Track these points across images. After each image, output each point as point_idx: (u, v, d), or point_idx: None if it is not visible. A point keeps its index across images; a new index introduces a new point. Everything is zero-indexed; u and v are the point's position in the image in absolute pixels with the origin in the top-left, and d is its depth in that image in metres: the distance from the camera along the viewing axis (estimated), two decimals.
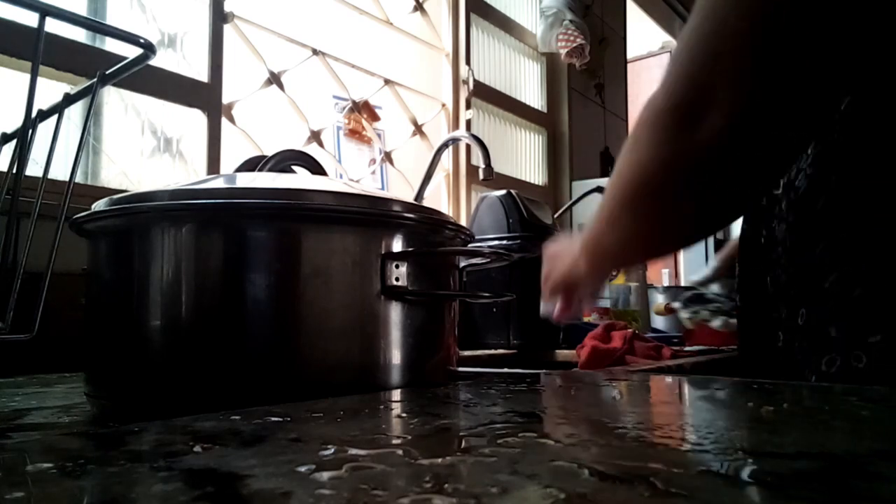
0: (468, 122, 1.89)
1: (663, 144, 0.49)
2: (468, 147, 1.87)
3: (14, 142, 0.47)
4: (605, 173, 2.41)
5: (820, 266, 0.55)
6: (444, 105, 1.88)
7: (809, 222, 0.57)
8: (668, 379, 0.62)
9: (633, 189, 0.53)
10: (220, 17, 1.26)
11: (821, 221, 0.56)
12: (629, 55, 2.81)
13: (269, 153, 0.64)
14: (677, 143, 0.48)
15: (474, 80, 1.91)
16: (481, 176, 1.23)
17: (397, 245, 0.51)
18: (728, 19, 0.45)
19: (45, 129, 0.48)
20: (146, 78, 1.09)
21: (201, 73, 1.22)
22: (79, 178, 0.99)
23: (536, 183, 2.23)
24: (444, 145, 1.34)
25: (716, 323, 1.20)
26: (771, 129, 0.47)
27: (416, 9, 1.79)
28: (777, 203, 0.62)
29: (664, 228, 0.55)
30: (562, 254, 0.70)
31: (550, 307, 0.73)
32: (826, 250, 0.55)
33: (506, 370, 0.64)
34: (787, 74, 0.45)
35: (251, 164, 0.65)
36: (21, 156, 0.45)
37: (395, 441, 0.29)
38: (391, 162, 1.69)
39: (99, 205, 0.50)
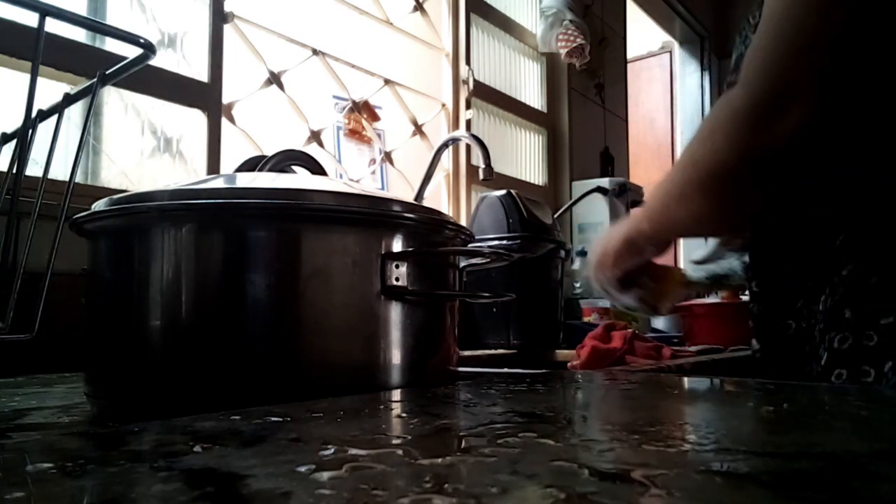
0: (468, 122, 1.89)
1: (743, 140, 0.53)
2: (468, 147, 1.87)
3: (14, 142, 0.47)
4: (604, 173, 2.41)
5: (838, 257, 0.59)
6: (444, 105, 1.88)
7: (830, 216, 0.60)
8: (668, 379, 0.62)
9: (711, 177, 0.58)
10: (220, 17, 1.26)
11: (840, 215, 0.60)
12: (629, 55, 2.81)
13: (269, 153, 0.64)
14: (757, 139, 0.52)
15: (474, 80, 1.91)
16: (481, 176, 1.23)
17: (397, 245, 0.51)
18: (807, 18, 0.49)
19: (45, 129, 0.48)
20: (146, 78, 1.09)
21: (201, 73, 1.22)
22: (79, 178, 0.99)
23: (536, 183, 2.23)
24: (444, 145, 1.34)
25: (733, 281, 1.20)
26: (848, 126, 0.51)
27: (416, 9, 1.79)
28: (792, 199, 0.65)
29: (734, 211, 0.61)
30: (611, 233, 0.76)
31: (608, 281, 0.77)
32: (845, 242, 0.59)
33: (506, 370, 0.64)
34: (866, 71, 0.49)
35: (251, 164, 0.65)
36: (21, 156, 0.45)
37: (395, 441, 0.29)
38: (391, 162, 1.69)
39: (99, 205, 0.50)
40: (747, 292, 0.74)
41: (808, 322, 0.62)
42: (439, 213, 0.57)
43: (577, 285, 1.95)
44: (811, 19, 0.49)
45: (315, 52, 1.48)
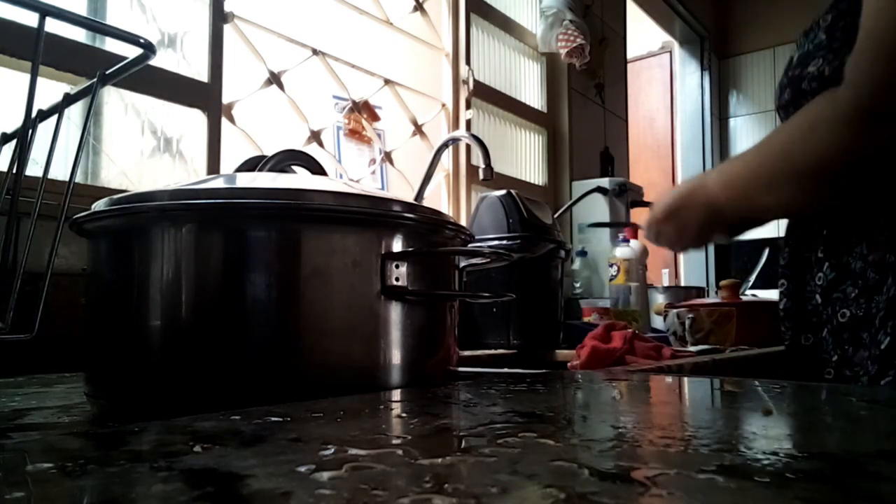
0: (468, 122, 1.89)
1: (847, 140, 0.57)
2: (468, 147, 1.87)
3: (14, 142, 0.47)
4: (604, 173, 2.41)
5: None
6: (444, 105, 1.88)
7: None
8: (668, 379, 0.62)
9: (809, 172, 0.62)
10: (220, 17, 1.26)
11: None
12: (629, 55, 2.81)
13: (269, 153, 0.64)
14: (861, 141, 0.56)
15: (474, 80, 1.91)
16: (481, 176, 1.23)
17: (397, 245, 0.51)
18: None
19: (45, 129, 0.48)
20: (146, 78, 1.09)
21: (201, 73, 1.22)
22: (79, 178, 0.99)
23: (536, 183, 2.23)
24: (444, 145, 1.34)
25: None
26: None
27: (416, 9, 1.79)
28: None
29: (825, 202, 0.66)
30: (684, 197, 0.80)
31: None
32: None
33: (506, 370, 0.64)
34: None
35: (251, 164, 0.65)
36: (21, 156, 0.45)
37: (395, 441, 0.29)
38: (391, 162, 1.69)
39: (99, 205, 0.50)
40: (749, 292, 0.77)
41: (867, 311, 0.66)
42: (439, 213, 0.57)
43: (577, 285, 1.95)
44: None
45: (315, 52, 1.48)
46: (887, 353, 0.62)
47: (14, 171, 0.45)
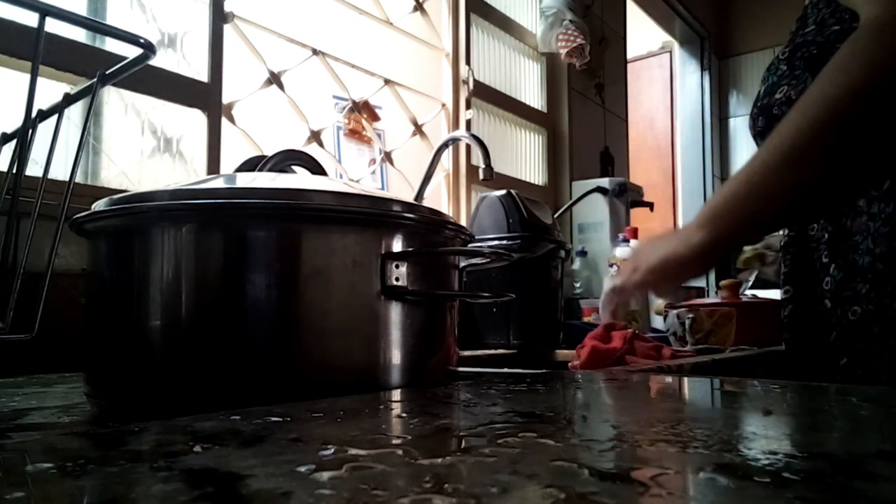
0: (468, 122, 1.89)
1: (881, 58, 0.55)
2: (468, 147, 1.87)
3: (14, 142, 0.47)
4: (604, 173, 2.41)
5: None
6: (444, 105, 1.88)
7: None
8: (668, 379, 0.62)
9: (858, 96, 0.58)
10: (220, 17, 1.26)
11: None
12: (629, 55, 2.81)
13: (269, 153, 0.64)
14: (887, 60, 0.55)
15: (474, 80, 1.91)
16: (481, 176, 1.23)
17: (397, 245, 0.51)
18: None
19: (45, 129, 0.48)
20: (146, 78, 1.09)
21: (201, 73, 1.22)
22: (79, 178, 0.99)
23: (536, 183, 2.23)
24: (444, 145, 1.34)
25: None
26: None
27: (416, 9, 1.79)
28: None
29: (850, 157, 0.61)
30: (656, 240, 0.71)
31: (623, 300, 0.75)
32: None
33: (506, 370, 0.64)
34: None
35: (251, 164, 0.65)
36: (21, 156, 0.45)
37: (395, 441, 0.29)
38: (391, 162, 1.69)
39: (99, 205, 0.50)
40: (749, 292, 0.77)
41: (878, 304, 0.68)
42: (439, 213, 0.57)
43: (577, 285, 1.95)
44: None
45: (315, 52, 1.48)
46: None
47: (14, 171, 0.45)
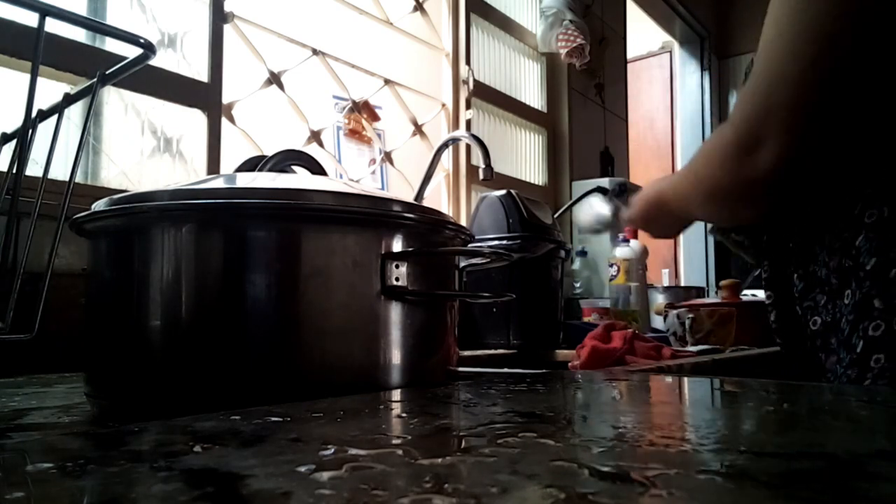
0: (468, 122, 1.89)
1: (729, 170, 0.63)
2: (468, 147, 1.87)
3: (14, 142, 0.47)
4: (604, 173, 2.41)
5: (860, 255, 0.64)
6: (444, 105, 1.88)
7: (846, 222, 0.66)
8: (668, 379, 0.62)
9: (711, 194, 0.68)
10: (220, 17, 1.26)
11: (857, 220, 0.64)
12: (629, 55, 2.81)
13: (269, 153, 0.64)
14: (740, 171, 0.61)
15: (474, 80, 1.91)
16: (481, 176, 1.23)
17: (397, 245, 0.51)
18: (785, 72, 0.56)
19: (45, 129, 0.48)
20: (146, 78, 1.09)
21: (201, 73, 1.22)
22: (79, 178, 0.99)
23: (536, 183, 2.23)
24: (444, 145, 1.34)
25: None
26: (819, 169, 0.60)
27: (416, 9, 1.79)
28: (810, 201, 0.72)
29: (739, 217, 0.73)
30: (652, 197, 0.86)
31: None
32: (867, 239, 0.64)
33: (506, 370, 0.64)
34: (837, 125, 0.57)
35: (251, 164, 0.65)
36: (21, 156, 0.45)
37: (395, 441, 0.29)
38: (391, 162, 1.69)
39: (99, 205, 0.50)
40: (749, 292, 0.79)
41: (834, 316, 0.67)
42: (439, 213, 0.57)
43: (577, 285, 1.95)
44: (780, 65, 0.57)
45: (315, 52, 1.48)
46: (863, 357, 0.62)
47: (14, 171, 0.45)
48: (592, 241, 2.03)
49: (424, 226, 0.54)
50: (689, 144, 3.55)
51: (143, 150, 1.17)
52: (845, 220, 0.65)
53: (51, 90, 0.90)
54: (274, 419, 0.33)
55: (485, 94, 1.99)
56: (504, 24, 2.13)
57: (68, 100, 0.49)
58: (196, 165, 1.21)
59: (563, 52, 2.15)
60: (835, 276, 0.66)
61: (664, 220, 0.86)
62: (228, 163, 1.23)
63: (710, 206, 0.71)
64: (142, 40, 0.46)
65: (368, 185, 1.58)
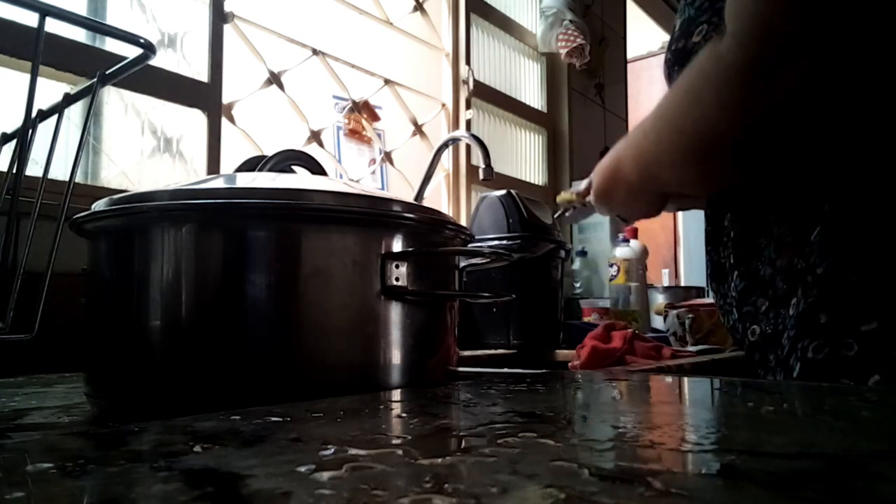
0: (468, 122, 1.89)
1: (736, 101, 0.46)
2: (468, 147, 1.87)
3: (14, 142, 0.47)
4: None
5: (812, 253, 0.52)
6: (444, 105, 1.88)
7: (804, 211, 0.54)
8: (668, 379, 0.62)
9: (701, 146, 0.52)
10: (220, 17, 1.26)
11: (818, 203, 0.52)
12: (629, 55, 2.81)
13: (269, 153, 0.64)
14: (754, 98, 0.46)
15: (474, 80, 1.91)
16: (481, 176, 1.23)
17: (397, 245, 0.51)
18: None
19: (45, 129, 0.48)
20: (146, 78, 1.09)
21: (201, 73, 1.22)
22: (79, 178, 0.99)
23: (536, 183, 2.23)
24: (444, 145, 1.34)
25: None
26: (856, 77, 0.43)
27: (416, 9, 1.79)
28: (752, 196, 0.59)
29: (728, 177, 0.55)
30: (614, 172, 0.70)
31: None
32: (821, 236, 0.51)
33: (506, 370, 0.64)
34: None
35: (251, 164, 0.65)
36: (21, 156, 0.45)
37: (395, 441, 0.29)
38: (391, 162, 1.69)
39: (99, 205, 0.50)
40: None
41: (775, 327, 0.55)
42: (439, 213, 0.57)
43: (577, 285, 1.95)
44: None
45: (315, 52, 1.48)
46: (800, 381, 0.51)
47: (14, 171, 0.45)
48: (592, 241, 2.03)
49: (424, 226, 0.54)
50: None
51: (143, 150, 1.17)
52: (802, 206, 0.52)
53: (51, 90, 0.90)
54: (274, 419, 0.33)
55: (485, 94, 1.99)
56: (504, 24, 2.13)
57: (68, 100, 0.49)
58: (196, 165, 1.21)
59: (563, 52, 2.15)
60: (781, 278, 0.54)
61: (627, 194, 0.67)
62: (228, 163, 1.23)
63: (693, 166, 0.54)
64: (142, 40, 0.46)
65: (368, 185, 1.58)
